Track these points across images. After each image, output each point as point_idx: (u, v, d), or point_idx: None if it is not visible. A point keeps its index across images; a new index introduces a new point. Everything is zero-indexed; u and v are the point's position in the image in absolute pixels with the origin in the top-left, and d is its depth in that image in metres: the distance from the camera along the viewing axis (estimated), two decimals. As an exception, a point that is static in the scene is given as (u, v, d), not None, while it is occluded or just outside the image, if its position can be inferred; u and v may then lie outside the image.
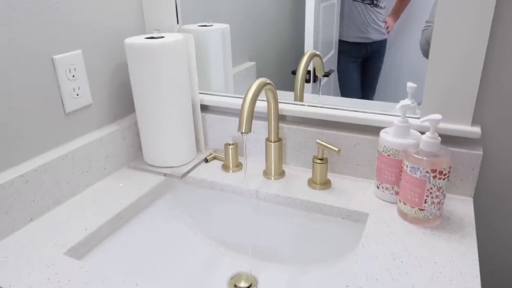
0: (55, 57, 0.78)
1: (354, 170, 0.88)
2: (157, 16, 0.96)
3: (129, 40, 0.84)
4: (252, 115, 0.70)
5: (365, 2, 1.07)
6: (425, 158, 0.68)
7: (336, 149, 0.79)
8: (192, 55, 0.91)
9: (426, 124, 0.69)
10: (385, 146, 0.76)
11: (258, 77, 1.25)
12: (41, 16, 0.74)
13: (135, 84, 0.87)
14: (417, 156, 0.69)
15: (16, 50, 0.71)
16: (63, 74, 0.79)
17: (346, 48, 1.13)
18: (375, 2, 1.06)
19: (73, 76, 0.82)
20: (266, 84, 0.76)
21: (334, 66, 1.25)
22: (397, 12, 1.04)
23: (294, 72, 1.19)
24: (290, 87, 1.18)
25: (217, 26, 1.05)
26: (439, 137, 0.68)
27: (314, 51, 1.04)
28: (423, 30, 0.96)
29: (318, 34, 1.18)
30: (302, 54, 1.20)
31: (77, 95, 0.83)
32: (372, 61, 1.12)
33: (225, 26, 1.05)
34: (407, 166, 0.70)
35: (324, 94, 1.13)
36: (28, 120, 0.75)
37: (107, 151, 0.89)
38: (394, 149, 0.74)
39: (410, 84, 0.83)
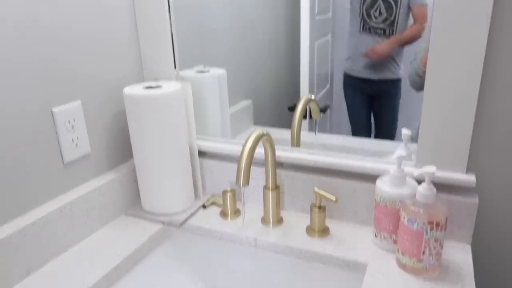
0: (55, 109, 0.79)
1: (352, 216, 0.88)
2: (155, 63, 0.98)
3: (127, 91, 0.85)
4: (249, 168, 0.71)
5: (376, 32, 1.02)
6: (421, 210, 0.68)
7: (333, 198, 0.79)
8: (190, 103, 0.93)
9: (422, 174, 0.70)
10: (381, 196, 0.76)
11: (255, 115, 1.28)
12: (41, 69, 0.75)
13: (134, 132, 0.88)
14: (413, 208, 0.69)
15: (15, 104, 0.72)
16: (62, 126, 0.80)
17: (352, 82, 1.12)
18: (387, 31, 1.01)
19: (72, 127, 0.83)
20: (263, 135, 0.77)
21: (330, 101, 1.27)
22: (396, 42, 1.01)
23: (290, 109, 1.19)
24: (287, 123, 1.16)
25: (213, 71, 1.07)
26: (434, 189, 0.69)
27: (309, 96, 1.06)
28: (411, 61, 0.97)
29: (313, 70, 1.21)
30: (298, 90, 1.22)
31: (76, 145, 0.84)
32: (382, 101, 1.10)
33: (222, 71, 1.07)
34: (404, 217, 0.71)
35: (321, 129, 1.13)
36: (26, 172, 0.75)
37: (104, 200, 0.89)
38: (391, 199, 0.75)
39: (405, 131, 0.85)
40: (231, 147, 0.96)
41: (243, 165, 0.70)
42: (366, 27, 1.04)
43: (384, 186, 0.76)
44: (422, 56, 0.75)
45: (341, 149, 1.04)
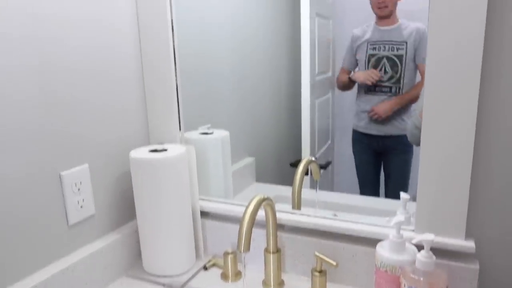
0: (63, 173, 0.81)
1: (353, 280, 0.88)
2: (161, 126, 1.02)
3: (133, 154, 0.89)
4: (250, 234, 0.72)
5: (382, 91, 1.04)
6: (421, 278, 0.69)
7: (334, 263, 0.80)
8: (193, 165, 0.96)
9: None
10: (382, 262, 0.77)
11: (257, 171, 1.30)
12: (50, 135, 0.79)
13: (138, 194, 0.90)
14: (413, 276, 0.69)
15: (24, 168, 0.74)
16: (69, 189, 0.83)
17: (359, 138, 1.13)
18: (393, 89, 1.02)
19: (79, 190, 0.85)
20: (264, 200, 0.79)
21: (331, 157, 1.29)
22: (398, 103, 1.02)
23: (292, 165, 1.17)
24: (289, 179, 1.15)
25: (217, 133, 1.10)
26: (433, 256, 0.70)
27: (310, 158, 1.08)
28: (410, 116, 0.98)
29: (314, 128, 1.23)
30: (299, 147, 1.25)
31: (81, 207, 0.86)
32: (390, 157, 1.10)
33: (225, 133, 1.11)
34: (404, 285, 0.71)
35: (324, 186, 1.11)
36: (31, 235, 0.76)
37: (106, 261, 0.90)
38: (391, 265, 0.75)
39: (403, 196, 0.87)
40: (233, 208, 0.98)
41: (244, 232, 0.72)
42: (372, 87, 1.06)
43: (384, 252, 0.77)
44: (420, 110, 0.75)
45: (344, 207, 1.04)
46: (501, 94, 0.72)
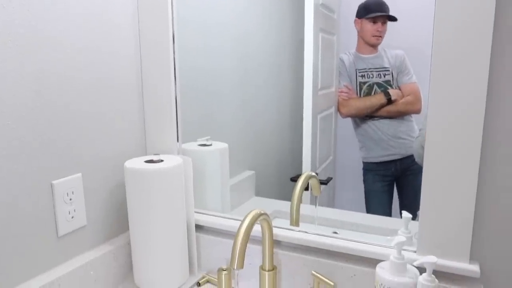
0: (54, 182, 0.79)
1: (351, 302, 0.84)
2: (159, 136, 1.00)
3: (128, 164, 0.86)
4: (244, 251, 0.69)
5: (380, 115, 1.06)
6: (423, 303, 0.65)
7: (331, 283, 0.76)
8: (190, 178, 0.93)
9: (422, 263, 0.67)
10: (382, 284, 0.73)
11: (257, 185, 1.27)
12: (43, 142, 0.77)
13: (132, 205, 0.87)
14: (414, 301, 0.66)
15: (14, 178, 0.72)
16: (60, 198, 0.80)
17: (372, 167, 1.12)
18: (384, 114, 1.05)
19: (70, 199, 0.82)
20: (260, 215, 0.76)
21: (333, 173, 1.26)
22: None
23: (293, 179, 1.16)
24: (289, 194, 1.13)
25: (216, 145, 1.08)
26: (436, 280, 0.67)
27: (310, 173, 1.06)
28: (416, 137, 0.97)
29: (315, 143, 1.21)
30: (300, 161, 1.22)
31: (72, 217, 0.83)
32: (406, 180, 1.07)
33: (224, 146, 1.08)
34: (405, 309, 0.67)
35: (324, 202, 1.08)
36: (17, 244, 0.74)
37: (96, 275, 0.87)
38: (391, 287, 0.72)
39: (405, 215, 0.84)
40: (229, 223, 0.95)
41: (237, 248, 0.69)
42: (368, 115, 1.08)
43: (384, 274, 0.73)
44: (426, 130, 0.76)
45: (345, 225, 1.02)
46: (507, 120, 0.70)
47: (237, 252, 0.69)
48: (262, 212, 0.77)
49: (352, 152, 1.17)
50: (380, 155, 1.09)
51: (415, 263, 0.68)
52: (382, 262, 0.77)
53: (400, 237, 0.74)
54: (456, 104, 0.70)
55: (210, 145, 1.07)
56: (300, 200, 0.98)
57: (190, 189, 0.93)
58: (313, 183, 1.04)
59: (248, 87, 1.21)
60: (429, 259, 0.66)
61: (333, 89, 1.21)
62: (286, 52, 1.23)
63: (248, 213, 0.74)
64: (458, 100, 0.70)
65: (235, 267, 0.68)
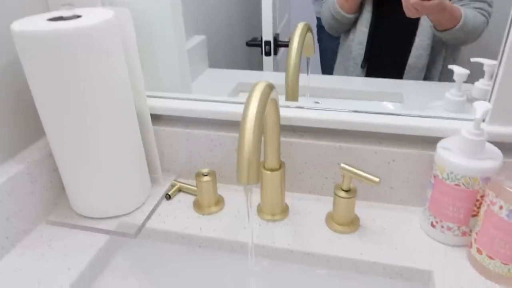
0: None
1: (385, 195, 0.62)
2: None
3: (19, 26, 0.49)
4: (259, 156, 0.41)
5: None
6: (533, 195, 0.44)
7: (377, 179, 0.52)
8: (132, 43, 0.58)
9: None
10: (451, 172, 0.50)
11: (209, 55, 0.96)
12: None
13: (40, 95, 0.52)
14: (518, 193, 0.44)
15: None
16: None
17: None
18: None
19: None
20: (271, 91, 0.46)
21: (289, 34, 1.00)
22: None
23: (249, 44, 0.93)
24: (246, 62, 1.02)
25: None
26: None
27: (307, 23, 0.73)
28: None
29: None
30: (258, 20, 0.92)
31: None
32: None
33: (173, -6, 0.71)
34: (500, 207, 0.46)
35: (281, 68, 0.87)
36: None
37: (7, 209, 0.55)
38: (469, 176, 0.49)
39: (458, 71, 0.59)
40: (199, 105, 0.65)
41: (247, 153, 0.40)
42: None
43: (453, 157, 0.50)
44: None
45: (335, 93, 0.83)
46: None
47: (246, 159, 0.40)
48: (271, 86, 0.46)
49: (307, 8, 1.01)
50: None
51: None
52: (443, 141, 0.54)
53: (482, 103, 0.49)
54: None
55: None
56: (298, 67, 0.68)
57: (135, 58, 0.59)
58: (308, 39, 0.73)
59: None
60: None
61: None
62: None
63: (253, 90, 0.44)
64: None
65: (247, 182, 0.40)
